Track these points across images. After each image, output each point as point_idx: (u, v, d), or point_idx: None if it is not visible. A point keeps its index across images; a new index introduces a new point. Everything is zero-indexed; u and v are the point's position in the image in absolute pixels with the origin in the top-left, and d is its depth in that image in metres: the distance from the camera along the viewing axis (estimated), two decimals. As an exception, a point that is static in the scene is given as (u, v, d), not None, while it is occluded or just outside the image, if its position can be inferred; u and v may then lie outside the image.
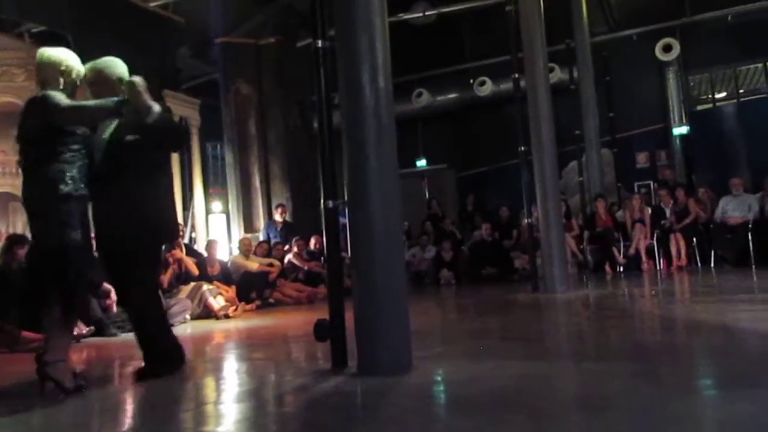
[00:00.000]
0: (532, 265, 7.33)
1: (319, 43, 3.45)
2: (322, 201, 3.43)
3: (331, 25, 3.47)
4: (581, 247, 9.69)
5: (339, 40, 3.36)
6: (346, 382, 3.10)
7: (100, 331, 5.66)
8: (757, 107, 11.59)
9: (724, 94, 12.60)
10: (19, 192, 3.64)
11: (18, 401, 3.19)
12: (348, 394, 2.95)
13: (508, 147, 7.98)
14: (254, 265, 8.44)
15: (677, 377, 2.84)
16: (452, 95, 13.16)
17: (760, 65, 12.15)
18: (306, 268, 9.05)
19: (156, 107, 3.32)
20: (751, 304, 5.26)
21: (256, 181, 10.99)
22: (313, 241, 9.50)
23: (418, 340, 3.43)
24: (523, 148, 7.01)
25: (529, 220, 7.28)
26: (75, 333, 5.29)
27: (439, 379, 3.12)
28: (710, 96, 12.65)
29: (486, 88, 12.45)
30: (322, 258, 8.84)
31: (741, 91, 12.35)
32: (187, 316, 6.74)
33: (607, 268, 9.37)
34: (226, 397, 3.13)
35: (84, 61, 3.61)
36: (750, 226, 8.59)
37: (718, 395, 2.57)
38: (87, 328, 5.52)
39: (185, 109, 10.28)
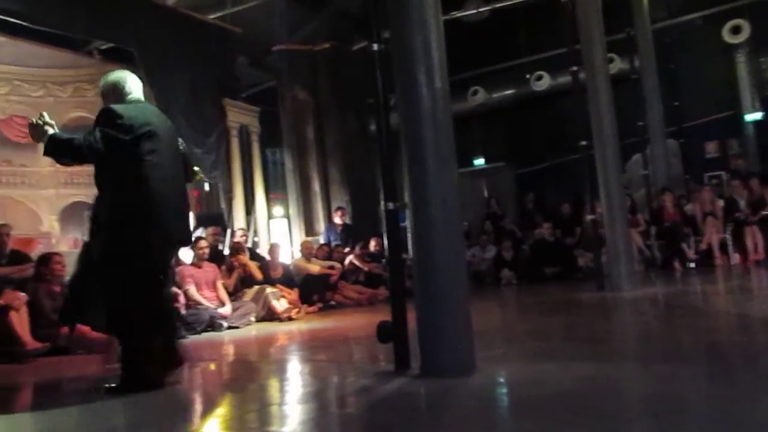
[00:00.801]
0: (597, 262, 7.14)
1: (375, 47, 3.46)
2: (382, 203, 3.44)
3: (385, 28, 3.48)
4: (648, 243, 9.38)
5: (394, 42, 3.36)
6: (408, 383, 3.10)
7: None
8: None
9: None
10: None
11: (91, 399, 3.34)
12: (411, 395, 2.95)
13: (568, 142, 7.81)
14: (315, 268, 8.55)
15: (755, 379, 2.71)
16: (508, 91, 12.94)
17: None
18: (366, 269, 9.10)
19: (50, 131, 3.39)
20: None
21: (316, 185, 11.14)
22: (373, 243, 9.55)
23: (480, 341, 3.39)
24: (583, 143, 6.84)
25: (592, 217, 7.10)
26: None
27: (502, 380, 3.08)
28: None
29: (543, 82, 12.20)
30: (382, 260, 8.88)
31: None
32: (252, 319, 6.89)
33: (677, 264, 9.03)
34: (290, 398, 3.18)
35: (149, 77, 3.77)
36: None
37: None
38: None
39: (245, 117, 10.52)
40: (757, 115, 11.34)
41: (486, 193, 12.96)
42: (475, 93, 12.65)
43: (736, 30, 11.03)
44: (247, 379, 3.95)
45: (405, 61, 3.30)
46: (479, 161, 13.46)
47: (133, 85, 3.64)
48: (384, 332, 3.40)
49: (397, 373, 3.29)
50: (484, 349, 3.54)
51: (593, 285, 7.02)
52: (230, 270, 7.46)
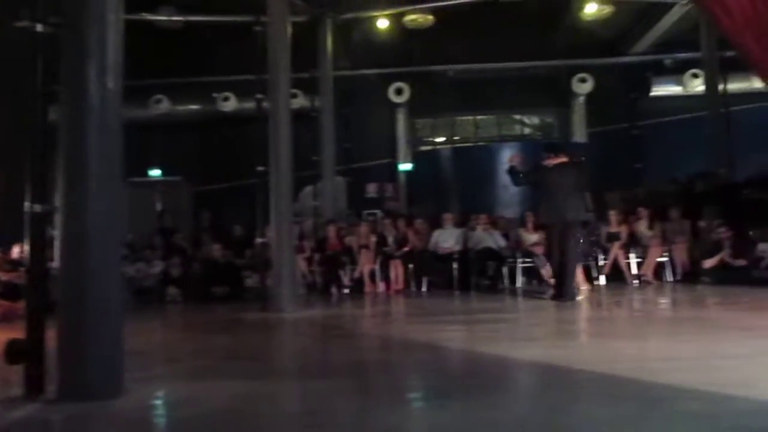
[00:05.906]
0: (262, 284, 7.35)
1: (39, 27, 3.07)
2: (27, 204, 3.03)
3: (56, 9, 3.12)
4: (312, 268, 9.97)
5: (65, 30, 3.04)
6: (41, 409, 2.76)
7: None
8: (468, 153, 13.40)
9: (443, 138, 14.39)
10: None
11: None
12: (43, 423, 2.64)
13: (248, 166, 7.94)
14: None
15: (391, 391, 3.10)
16: (195, 106, 12.75)
17: (471, 118, 14.30)
18: (5, 279, 7.85)
19: None
20: (452, 324, 5.96)
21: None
22: (16, 250, 8.29)
23: (136, 361, 3.21)
24: (261, 168, 7.05)
25: (263, 240, 7.31)
26: None
27: (153, 402, 2.94)
28: (431, 139, 14.36)
29: (230, 103, 12.33)
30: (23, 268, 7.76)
31: (456, 138, 14.28)
32: None
33: (334, 289, 9.77)
34: None
35: None
36: (455, 256, 9.72)
37: (422, 407, 2.88)
38: None
39: None
40: (408, 166, 13.42)
41: (159, 206, 12.39)
42: (158, 102, 12.13)
43: (399, 91, 13.11)
44: None
45: (75, 53, 3.02)
46: (155, 172, 12.86)
47: None
48: (14, 351, 2.96)
49: (28, 398, 2.89)
50: (141, 369, 3.37)
51: (259, 306, 7.20)
52: None
